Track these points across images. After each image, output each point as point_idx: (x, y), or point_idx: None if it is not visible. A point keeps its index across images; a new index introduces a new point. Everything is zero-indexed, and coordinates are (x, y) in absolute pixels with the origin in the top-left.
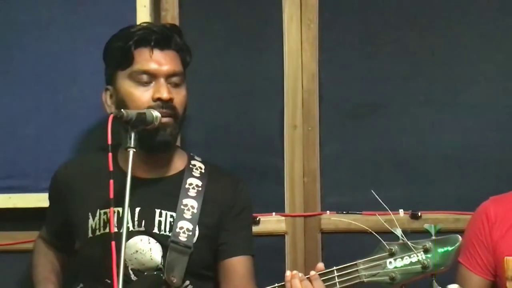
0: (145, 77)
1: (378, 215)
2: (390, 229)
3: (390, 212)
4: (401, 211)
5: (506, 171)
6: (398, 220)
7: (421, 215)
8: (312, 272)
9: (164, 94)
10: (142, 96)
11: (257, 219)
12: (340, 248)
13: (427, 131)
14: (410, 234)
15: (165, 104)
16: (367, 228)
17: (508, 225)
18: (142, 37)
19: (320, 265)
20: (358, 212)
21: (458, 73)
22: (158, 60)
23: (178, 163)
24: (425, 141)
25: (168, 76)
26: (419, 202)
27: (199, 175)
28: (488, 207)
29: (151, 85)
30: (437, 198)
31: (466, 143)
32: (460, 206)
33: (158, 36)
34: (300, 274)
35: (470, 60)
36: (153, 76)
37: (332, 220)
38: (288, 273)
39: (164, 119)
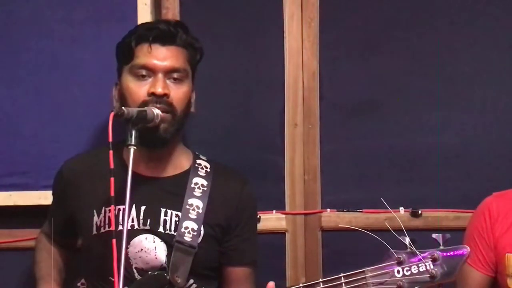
0: (143, 72)
1: (379, 213)
2: (389, 227)
3: (391, 210)
4: (401, 209)
5: (506, 169)
6: (398, 218)
7: (421, 213)
8: None
9: (159, 89)
10: (138, 90)
11: (258, 216)
12: (340, 246)
13: (427, 129)
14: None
15: (159, 99)
16: (364, 231)
17: (510, 221)
18: (142, 33)
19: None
20: (358, 210)
21: (459, 71)
22: (157, 55)
23: (183, 162)
24: (425, 139)
25: (168, 72)
26: (420, 200)
27: (204, 175)
28: (491, 203)
29: (149, 80)
30: (437, 196)
31: (466, 141)
32: (460, 204)
33: (159, 32)
34: None
35: (471, 58)
36: (151, 71)
37: (333, 218)
38: None
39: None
